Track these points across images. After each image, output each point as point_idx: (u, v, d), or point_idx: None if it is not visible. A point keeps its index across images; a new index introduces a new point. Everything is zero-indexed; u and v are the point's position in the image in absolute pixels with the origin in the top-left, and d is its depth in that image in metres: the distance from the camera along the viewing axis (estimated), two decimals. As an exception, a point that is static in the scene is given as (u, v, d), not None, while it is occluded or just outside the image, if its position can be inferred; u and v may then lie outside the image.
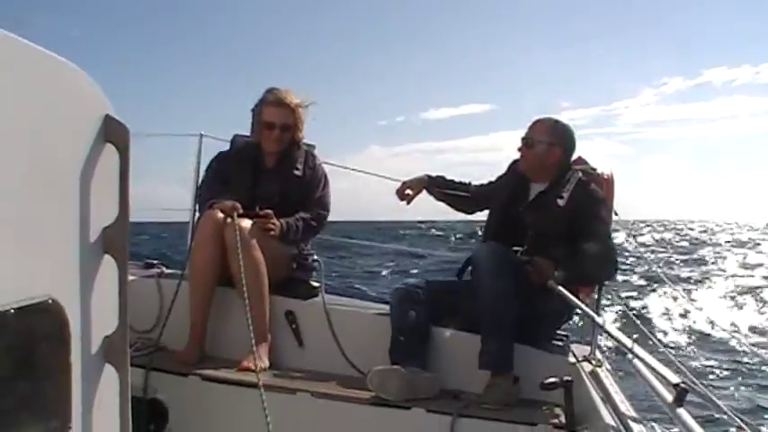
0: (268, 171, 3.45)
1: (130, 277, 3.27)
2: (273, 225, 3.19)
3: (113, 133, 1.03)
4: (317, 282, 3.45)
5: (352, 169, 4.46)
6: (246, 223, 3.08)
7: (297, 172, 3.42)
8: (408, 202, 3.57)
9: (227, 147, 3.62)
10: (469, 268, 3.18)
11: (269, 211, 3.20)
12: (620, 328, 2.59)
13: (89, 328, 1.02)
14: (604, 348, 3.26)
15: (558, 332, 3.32)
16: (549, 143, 3.24)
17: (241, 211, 3.09)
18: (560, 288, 2.83)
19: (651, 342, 2.91)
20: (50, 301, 0.92)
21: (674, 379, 2.04)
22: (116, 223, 1.05)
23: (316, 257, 3.51)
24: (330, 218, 3.51)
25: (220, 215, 3.07)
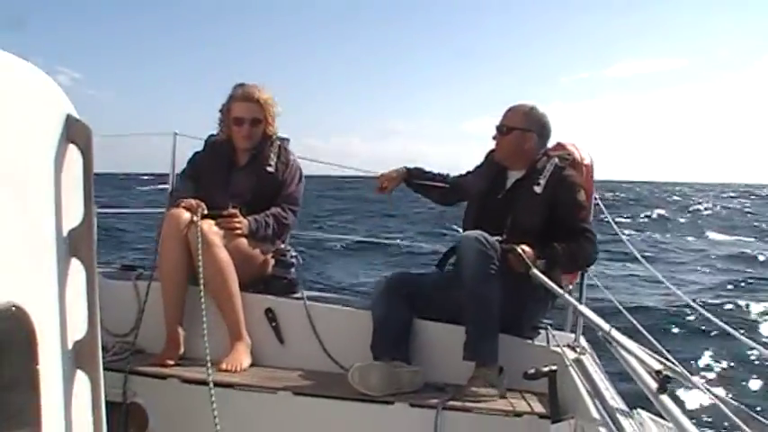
0: (240, 168, 3.41)
1: (108, 280, 3.23)
2: (239, 224, 3.14)
3: (75, 134, 1.00)
4: (297, 278, 3.41)
5: (326, 163, 4.42)
6: (209, 223, 3.03)
7: (269, 168, 3.38)
8: (388, 195, 3.57)
9: (201, 145, 3.57)
10: (452, 258, 3.16)
11: (233, 210, 3.16)
12: (603, 315, 2.56)
13: (57, 334, 0.99)
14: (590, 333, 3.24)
15: (542, 320, 3.31)
16: (524, 129, 3.23)
17: (205, 210, 3.05)
18: (543, 277, 2.82)
19: (636, 327, 2.88)
20: (14, 308, 0.89)
21: (657, 366, 2.03)
22: (82, 225, 1.02)
23: (294, 253, 3.47)
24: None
25: (185, 214, 3.02)
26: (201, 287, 2.55)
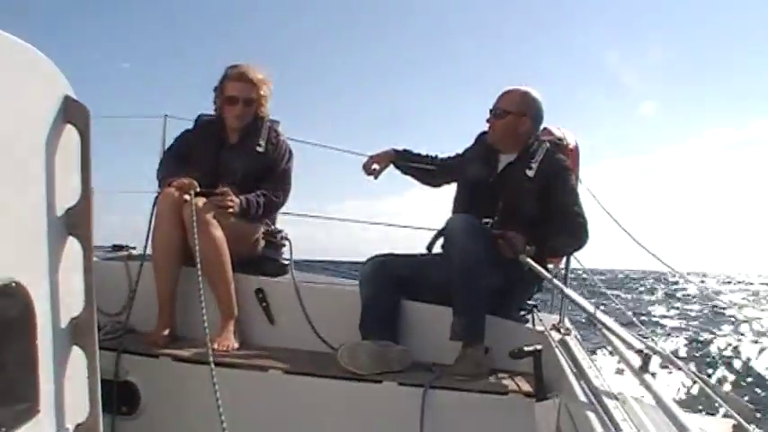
0: (231, 148, 3.42)
1: (98, 260, 3.21)
2: (231, 202, 3.15)
3: (74, 114, 1.03)
4: (287, 259, 3.44)
5: (318, 144, 4.44)
6: (203, 201, 3.04)
7: (259, 148, 3.39)
8: (376, 177, 3.54)
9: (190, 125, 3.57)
10: (440, 240, 3.19)
11: (226, 188, 3.17)
12: (587, 298, 2.60)
13: (55, 311, 1.02)
14: (575, 316, 3.29)
15: (528, 302, 3.35)
16: (519, 113, 3.24)
17: (198, 189, 3.05)
18: (532, 263, 2.85)
19: (618, 309, 2.93)
20: (14, 284, 0.91)
21: (639, 345, 2.08)
22: (79, 204, 1.05)
23: (284, 235, 3.49)
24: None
25: (177, 193, 3.03)
26: (199, 266, 2.56)
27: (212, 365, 2.07)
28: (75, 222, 1.04)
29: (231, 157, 3.38)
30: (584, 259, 3.20)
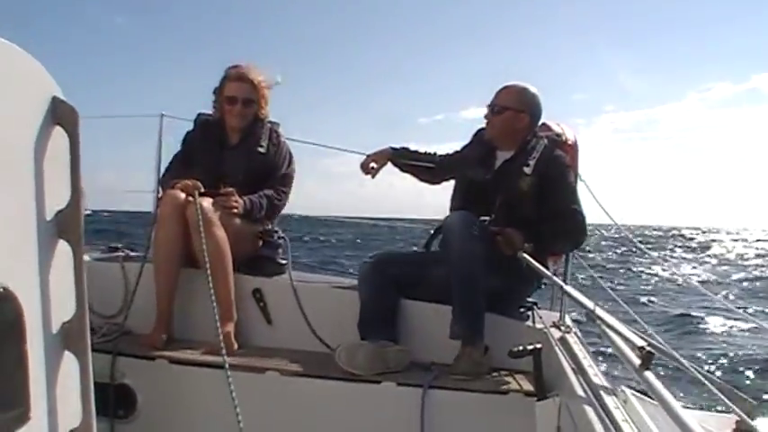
0: (232, 148, 3.42)
1: (94, 262, 3.20)
2: (235, 203, 3.15)
3: (62, 115, 1.01)
4: (284, 259, 3.42)
5: (317, 144, 4.43)
6: (208, 201, 3.03)
7: (261, 149, 3.39)
8: (373, 176, 3.51)
9: (189, 126, 3.56)
10: (438, 238, 3.17)
11: (230, 189, 3.16)
12: (587, 294, 2.58)
13: (45, 316, 1.00)
14: (575, 314, 3.27)
15: (528, 299, 3.33)
16: (517, 110, 3.21)
17: (202, 189, 3.05)
18: (530, 259, 2.83)
19: (619, 305, 2.91)
20: (2, 289, 0.90)
21: (640, 342, 2.05)
22: (69, 207, 1.03)
23: (282, 234, 3.48)
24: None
25: (181, 194, 3.02)
26: (208, 266, 2.55)
27: (227, 368, 2.05)
28: (65, 225, 1.03)
29: (232, 158, 3.38)
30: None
